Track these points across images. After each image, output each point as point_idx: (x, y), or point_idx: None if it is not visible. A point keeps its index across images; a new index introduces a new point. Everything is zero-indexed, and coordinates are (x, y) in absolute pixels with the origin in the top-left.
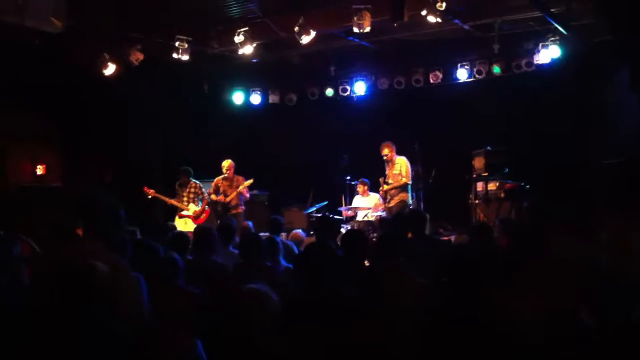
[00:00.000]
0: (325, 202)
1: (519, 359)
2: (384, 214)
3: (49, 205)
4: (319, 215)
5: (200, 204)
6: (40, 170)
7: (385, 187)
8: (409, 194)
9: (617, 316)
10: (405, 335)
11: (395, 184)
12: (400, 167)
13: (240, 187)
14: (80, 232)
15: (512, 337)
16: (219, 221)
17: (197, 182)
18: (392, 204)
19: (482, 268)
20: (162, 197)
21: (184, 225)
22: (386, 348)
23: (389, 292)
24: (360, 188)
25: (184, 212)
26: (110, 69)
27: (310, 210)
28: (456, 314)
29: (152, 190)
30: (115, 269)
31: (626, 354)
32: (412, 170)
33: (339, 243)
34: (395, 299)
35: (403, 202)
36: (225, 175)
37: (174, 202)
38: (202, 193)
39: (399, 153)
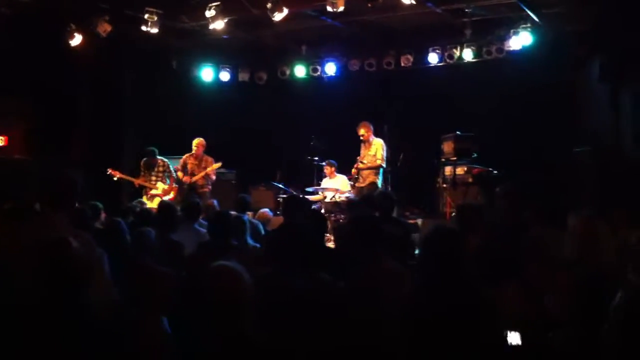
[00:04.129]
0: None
1: (499, 348)
2: (351, 195)
3: (10, 178)
4: (287, 195)
5: (168, 181)
6: (1, 141)
7: (360, 165)
8: (380, 177)
9: (589, 305)
10: (385, 322)
11: (370, 165)
12: (376, 149)
13: (208, 169)
14: (40, 205)
15: (494, 324)
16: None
17: (165, 159)
18: (363, 184)
19: (464, 255)
20: (129, 178)
21: (154, 204)
22: (367, 338)
23: (367, 278)
24: (327, 170)
25: (153, 192)
26: (76, 40)
27: (279, 186)
28: (438, 300)
29: (117, 172)
30: (81, 244)
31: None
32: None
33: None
34: (373, 285)
35: (373, 185)
36: (194, 152)
37: (141, 182)
38: (170, 171)
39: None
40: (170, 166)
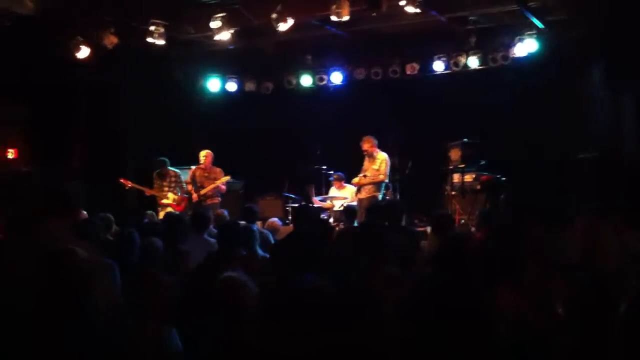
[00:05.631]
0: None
1: (498, 351)
2: (355, 204)
3: (17, 190)
4: (297, 205)
5: (179, 192)
6: (11, 154)
7: (363, 180)
8: (381, 191)
9: (592, 309)
10: (389, 330)
11: (373, 179)
12: (380, 164)
13: (217, 182)
14: (43, 216)
15: (495, 329)
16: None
17: (176, 170)
18: (363, 196)
19: (471, 261)
20: (140, 188)
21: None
22: (369, 344)
23: (372, 285)
24: (336, 184)
25: (164, 201)
26: (83, 53)
27: (287, 195)
28: (439, 302)
29: (128, 182)
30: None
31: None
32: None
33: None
34: (378, 293)
35: (373, 197)
36: (202, 165)
37: (152, 191)
38: (181, 181)
39: (379, 147)
40: (181, 177)
